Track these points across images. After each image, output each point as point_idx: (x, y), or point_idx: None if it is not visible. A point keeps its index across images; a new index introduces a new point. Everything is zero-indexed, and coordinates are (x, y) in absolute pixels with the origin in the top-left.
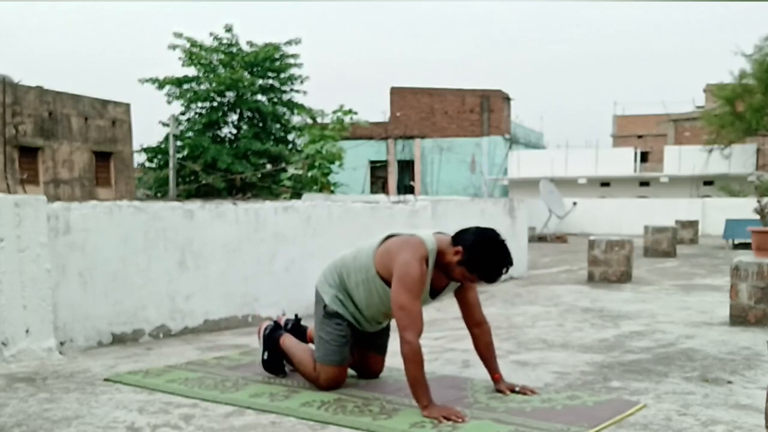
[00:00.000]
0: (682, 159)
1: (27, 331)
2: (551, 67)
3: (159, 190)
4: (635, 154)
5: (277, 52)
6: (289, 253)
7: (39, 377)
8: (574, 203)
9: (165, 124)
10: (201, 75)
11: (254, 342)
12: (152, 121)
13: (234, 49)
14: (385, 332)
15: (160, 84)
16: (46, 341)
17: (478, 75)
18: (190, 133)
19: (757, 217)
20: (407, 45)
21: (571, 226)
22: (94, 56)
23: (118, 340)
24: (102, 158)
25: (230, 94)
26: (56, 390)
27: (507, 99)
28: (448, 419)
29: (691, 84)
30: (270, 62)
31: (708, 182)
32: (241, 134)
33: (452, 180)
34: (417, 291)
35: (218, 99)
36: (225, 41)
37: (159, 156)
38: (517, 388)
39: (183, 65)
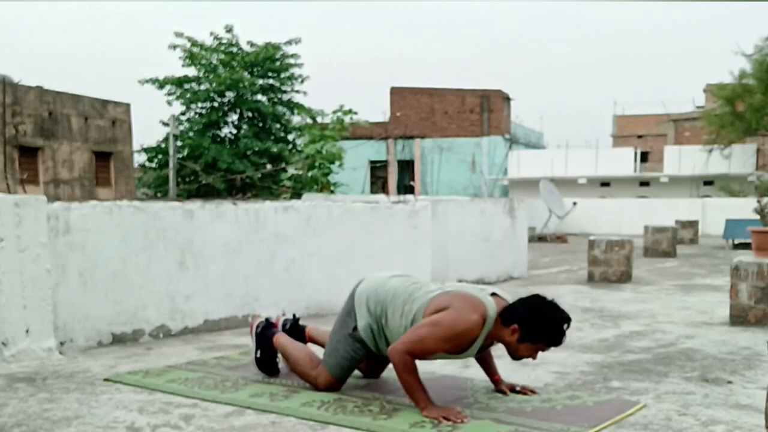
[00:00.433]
0: (682, 159)
1: (27, 331)
2: (551, 67)
3: (159, 190)
4: (635, 154)
5: (277, 52)
6: (289, 253)
7: (39, 377)
8: (574, 203)
9: (165, 124)
10: (201, 75)
11: None
12: (152, 121)
13: (234, 49)
14: None
15: (161, 84)
16: (46, 341)
17: (478, 75)
18: (191, 133)
19: (757, 217)
20: (407, 45)
21: (571, 226)
22: (94, 56)
23: (118, 340)
24: (102, 158)
25: (230, 94)
26: (56, 390)
27: (507, 99)
28: (448, 419)
29: (691, 84)
30: (270, 62)
31: (708, 182)
32: (242, 134)
33: (452, 180)
34: (445, 341)
35: (218, 99)
36: (225, 41)
37: (159, 156)
38: (517, 388)
39: (183, 65)
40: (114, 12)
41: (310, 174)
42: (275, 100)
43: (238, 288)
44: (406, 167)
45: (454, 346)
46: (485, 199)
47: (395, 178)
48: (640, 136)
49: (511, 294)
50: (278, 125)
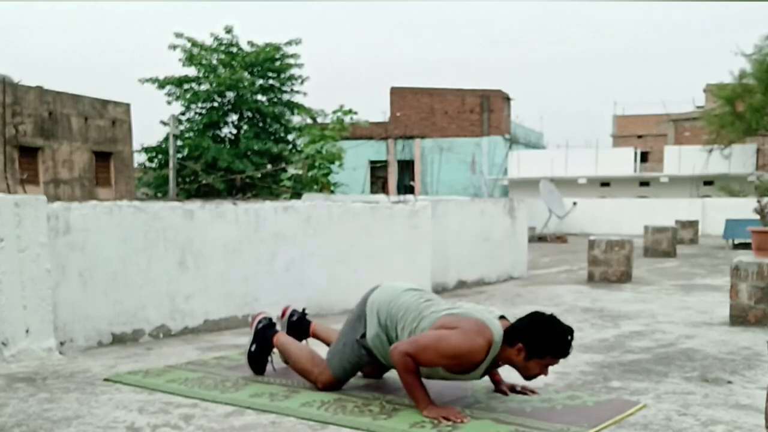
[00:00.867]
0: (682, 159)
1: (27, 331)
2: (551, 67)
3: (159, 190)
4: (635, 154)
5: (277, 52)
6: (289, 253)
7: (39, 377)
8: (574, 203)
9: (165, 124)
10: (201, 75)
11: None
12: (152, 121)
13: (234, 50)
14: None
15: (161, 84)
16: (46, 341)
17: (478, 75)
18: (190, 133)
19: (757, 217)
20: (407, 45)
21: (571, 226)
22: (94, 56)
23: (118, 340)
24: (102, 158)
25: (230, 95)
26: (56, 390)
27: (507, 99)
28: (448, 419)
29: (691, 84)
30: (270, 62)
31: (708, 182)
32: (242, 134)
33: (452, 180)
34: (445, 359)
35: (218, 99)
36: (225, 41)
37: (159, 156)
38: (517, 388)
39: (183, 65)
40: (114, 12)
41: (310, 174)
42: (275, 100)
43: (238, 288)
44: (406, 167)
45: (456, 365)
46: (485, 199)
47: (395, 178)
48: (640, 136)
49: (512, 294)
50: (278, 125)
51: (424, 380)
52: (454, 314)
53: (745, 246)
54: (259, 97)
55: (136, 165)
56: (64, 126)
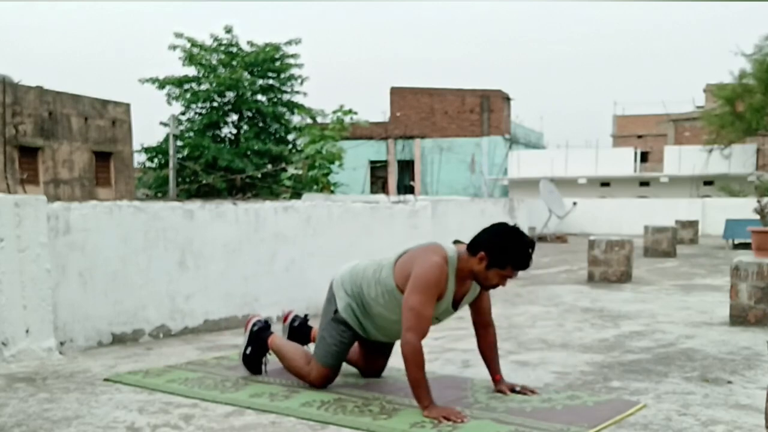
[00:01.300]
0: (682, 159)
1: (27, 331)
2: (551, 67)
3: (159, 190)
4: (635, 154)
5: (277, 52)
6: (289, 253)
7: (39, 377)
8: (574, 203)
9: (165, 124)
10: (201, 75)
11: None
12: (152, 121)
13: (234, 49)
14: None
15: (161, 84)
16: (46, 341)
17: (478, 75)
18: (191, 134)
19: (757, 217)
20: (407, 45)
21: (571, 226)
22: (94, 56)
23: (118, 340)
24: (102, 158)
25: (230, 95)
26: (56, 390)
27: (507, 99)
28: (449, 419)
29: (691, 84)
30: (270, 62)
31: (708, 182)
32: (242, 134)
33: (452, 180)
34: (431, 295)
35: (218, 99)
36: (225, 41)
37: (159, 156)
38: (517, 388)
39: (183, 65)
40: (114, 12)
41: (310, 174)
42: (275, 100)
43: (238, 288)
44: (406, 167)
45: (440, 292)
46: (485, 199)
47: (395, 178)
48: (640, 136)
49: (512, 294)
50: (278, 125)
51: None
52: (406, 251)
53: (745, 246)
54: (259, 97)
55: (136, 165)
56: (64, 126)
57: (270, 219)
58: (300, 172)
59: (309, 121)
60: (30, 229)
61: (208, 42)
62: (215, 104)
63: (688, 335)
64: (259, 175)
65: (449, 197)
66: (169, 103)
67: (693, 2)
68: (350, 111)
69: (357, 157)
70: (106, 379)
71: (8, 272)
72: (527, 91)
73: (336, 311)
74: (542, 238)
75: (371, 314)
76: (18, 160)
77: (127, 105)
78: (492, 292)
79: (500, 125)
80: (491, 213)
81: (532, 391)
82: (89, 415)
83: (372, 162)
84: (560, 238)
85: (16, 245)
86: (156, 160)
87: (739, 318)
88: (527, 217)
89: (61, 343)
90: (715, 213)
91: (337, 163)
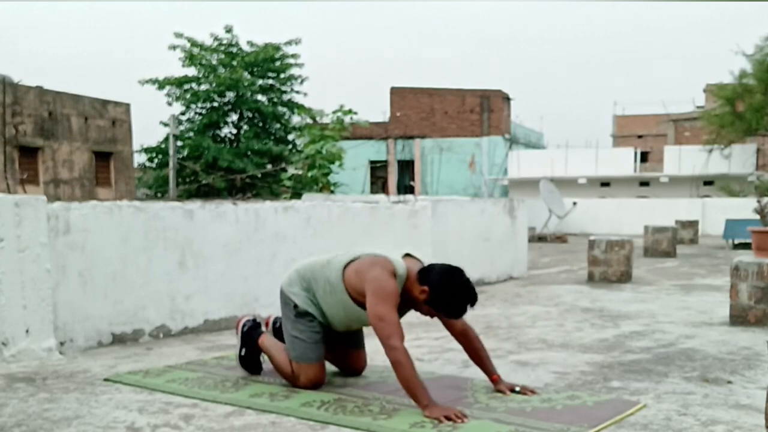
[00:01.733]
0: (682, 159)
1: (27, 331)
2: (551, 67)
3: (159, 190)
4: (635, 154)
5: (277, 52)
6: (289, 253)
7: (39, 377)
8: (574, 203)
9: (165, 124)
10: (201, 75)
11: None
12: (152, 121)
13: (234, 50)
14: (359, 329)
15: (161, 85)
16: (46, 341)
17: (478, 75)
18: (191, 133)
19: (757, 217)
20: (407, 45)
21: (571, 226)
22: (94, 56)
23: (118, 340)
24: (102, 158)
25: (230, 95)
26: (56, 390)
27: (507, 99)
28: (449, 419)
29: (691, 84)
30: (270, 62)
31: (708, 182)
32: (242, 134)
33: (452, 180)
34: (393, 302)
35: (218, 99)
36: (225, 41)
37: (159, 156)
38: (516, 388)
39: (183, 65)
40: (114, 12)
41: (310, 174)
42: (275, 100)
43: (238, 288)
44: (406, 167)
45: (398, 297)
46: (485, 199)
47: (395, 178)
48: (640, 136)
49: (512, 294)
50: (278, 125)
51: (421, 371)
52: (355, 259)
53: (745, 246)
54: (259, 97)
55: (136, 165)
56: (64, 126)
57: (270, 219)
58: (300, 172)
59: (309, 121)
60: (30, 229)
61: (208, 42)
62: (215, 104)
63: (688, 335)
64: (259, 175)
65: (449, 197)
66: (169, 103)
67: (693, 2)
68: (350, 111)
69: (357, 157)
70: (106, 379)
71: (8, 272)
72: (527, 91)
73: (296, 306)
74: (542, 238)
75: (323, 309)
76: (18, 160)
77: (127, 105)
78: (492, 291)
79: (500, 125)
80: (491, 213)
81: (532, 391)
82: (89, 415)
83: (372, 162)
84: (560, 238)
85: (16, 245)
86: (156, 160)
87: (739, 318)
88: (527, 217)
89: (61, 343)
90: (715, 213)
91: (337, 163)
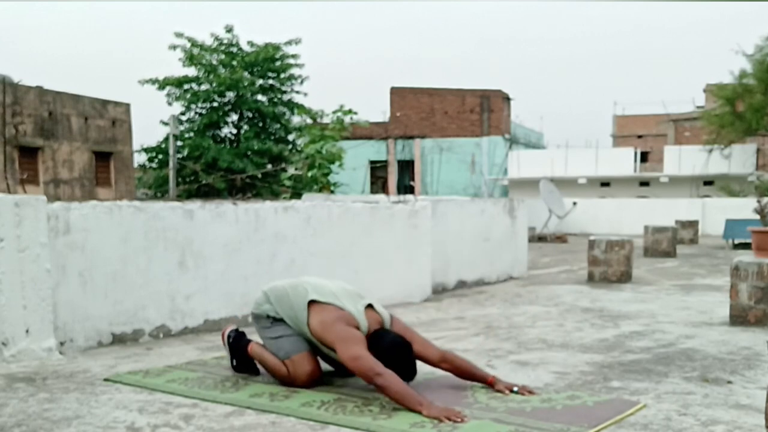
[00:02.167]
0: (682, 159)
1: (27, 331)
2: (551, 67)
3: (159, 190)
4: (635, 154)
5: (277, 52)
6: (289, 253)
7: (39, 377)
8: (574, 203)
9: (165, 124)
10: (201, 75)
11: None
12: (152, 121)
13: (234, 50)
14: None
15: (161, 85)
16: (46, 341)
17: (478, 75)
18: (191, 133)
19: (757, 217)
20: (407, 45)
21: (571, 226)
22: (94, 56)
23: (118, 340)
24: (102, 158)
25: (230, 95)
26: (56, 390)
27: (507, 99)
28: (449, 419)
29: (691, 84)
30: (270, 62)
31: (708, 182)
32: (242, 134)
33: (452, 180)
34: (362, 343)
35: (218, 99)
36: (225, 41)
37: (159, 156)
38: (515, 388)
39: (183, 65)
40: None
41: (310, 174)
42: (275, 100)
43: (238, 288)
44: (406, 167)
45: (365, 341)
46: (485, 199)
47: (395, 178)
48: (640, 136)
49: (512, 294)
50: (278, 125)
51: (421, 371)
52: (318, 300)
53: (745, 246)
54: (259, 97)
55: (136, 165)
56: (64, 126)
57: (270, 219)
58: (300, 172)
59: (309, 121)
60: (30, 229)
61: (208, 42)
62: (215, 104)
63: (688, 335)
64: (259, 175)
65: (449, 197)
66: (169, 103)
67: (693, 2)
68: (350, 111)
69: (357, 157)
70: (106, 379)
71: (8, 272)
72: (527, 91)
73: (269, 316)
74: (542, 238)
75: (291, 325)
76: (18, 160)
77: (127, 105)
78: (492, 291)
79: (500, 125)
80: (491, 213)
81: (531, 392)
82: (89, 415)
83: (372, 162)
84: (560, 238)
85: (16, 245)
86: (156, 160)
87: (739, 318)
88: (527, 217)
89: (61, 343)
90: (715, 213)
91: (337, 163)
